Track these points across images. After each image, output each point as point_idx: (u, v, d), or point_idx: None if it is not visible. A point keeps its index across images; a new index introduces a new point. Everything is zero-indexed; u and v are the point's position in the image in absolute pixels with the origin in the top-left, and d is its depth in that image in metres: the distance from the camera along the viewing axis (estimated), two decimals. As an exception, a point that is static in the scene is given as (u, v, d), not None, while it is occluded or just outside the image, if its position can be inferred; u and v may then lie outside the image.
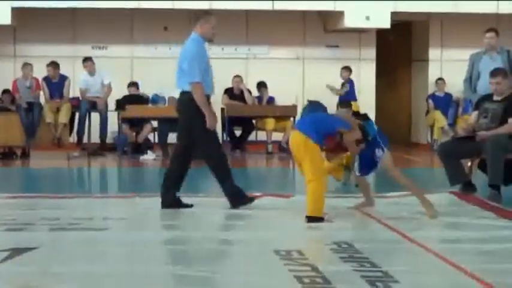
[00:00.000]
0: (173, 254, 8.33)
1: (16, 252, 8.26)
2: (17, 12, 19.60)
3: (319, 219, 9.75)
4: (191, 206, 10.89)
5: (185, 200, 10.94)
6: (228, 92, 20.50)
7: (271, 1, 20.65)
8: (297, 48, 22.04)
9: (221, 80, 20.39)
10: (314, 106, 12.88)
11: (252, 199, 11.09)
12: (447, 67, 22.25)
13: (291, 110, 20.07)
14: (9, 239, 8.98)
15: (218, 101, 20.35)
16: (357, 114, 14.79)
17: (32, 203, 10.76)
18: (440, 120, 21.45)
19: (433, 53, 22.90)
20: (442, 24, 22.47)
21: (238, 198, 10.87)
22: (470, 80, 14.46)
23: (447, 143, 14.15)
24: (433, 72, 22.63)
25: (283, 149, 20.14)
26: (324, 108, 12.82)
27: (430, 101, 22.07)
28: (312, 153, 9.83)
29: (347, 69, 21.57)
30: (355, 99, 20.57)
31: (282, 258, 7.94)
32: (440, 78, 22.08)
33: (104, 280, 7.11)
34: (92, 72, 19.97)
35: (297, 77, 21.81)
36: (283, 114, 20.36)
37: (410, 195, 12.04)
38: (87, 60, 20.07)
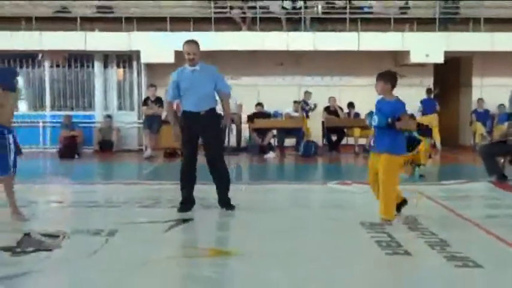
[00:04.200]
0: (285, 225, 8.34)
1: (179, 222, 8.43)
2: (178, 53, 19.79)
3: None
4: None
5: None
6: (327, 109, 20.47)
7: (356, 44, 20.61)
8: (374, 78, 21.81)
9: (321, 101, 20.42)
10: None
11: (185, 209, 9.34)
12: (486, 91, 21.91)
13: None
14: (173, 213, 9.13)
15: (320, 116, 20.42)
16: (419, 125, 14.71)
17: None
18: (480, 129, 21.11)
19: (476, 80, 22.53)
20: (483, 59, 22.04)
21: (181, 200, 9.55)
22: None
23: (486, 145, 13.96)
24: (476, 94, 22.25)
25: (366, 150, 20.06)
26: None
27: (473, 115, 21.75)
28: None
29: (429, 91, 21.58)
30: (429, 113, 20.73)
31: (366, 228, 7.97)
32: (480, 99, 21.76)
33: (238, 237, 7.16)
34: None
35: (375, 98, 21.62)
36: (366, 125, 20.30)
37: (459, 183, 11.94)
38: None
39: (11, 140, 8.30)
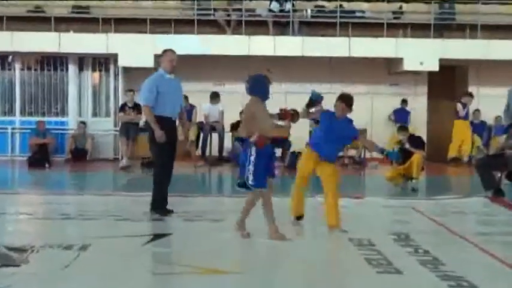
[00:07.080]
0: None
1: (156, 236, 8.41)
2: (158, 56, 19.69)
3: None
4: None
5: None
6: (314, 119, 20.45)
7: (347, 50, 20.63)
8: (367, 86, 21.85)
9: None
10: None
11: (168, 212, 9.94)
12: (482, 101, 21.90)
13: (362, 133, 20.04)
14: (151, 226, 9.13)
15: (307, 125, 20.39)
16: (411, 136, 14.67)
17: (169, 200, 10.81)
18: (476, 141, 21.17)
19: (471, 90, 22.54)
20: (480, 68, 22.09)
21: (157, 205, 9.97)
22: (508, 109, 13.98)
23: (482, 159, 14.02)
24: (472, 105, 22.25)
25: (356, 161, 20.12)
26: None
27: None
28: None
29: (404, 101, 21.71)
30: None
31: (355, 245, 7.96)
32: (477, 110, 21.77)
33: (226, 253, 7.18)
34: (214, 103, 20.03)
35: (368, 107, 21.63)
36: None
37: (454, 198, 11.96)
38: (214, 96, 20.14)
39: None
